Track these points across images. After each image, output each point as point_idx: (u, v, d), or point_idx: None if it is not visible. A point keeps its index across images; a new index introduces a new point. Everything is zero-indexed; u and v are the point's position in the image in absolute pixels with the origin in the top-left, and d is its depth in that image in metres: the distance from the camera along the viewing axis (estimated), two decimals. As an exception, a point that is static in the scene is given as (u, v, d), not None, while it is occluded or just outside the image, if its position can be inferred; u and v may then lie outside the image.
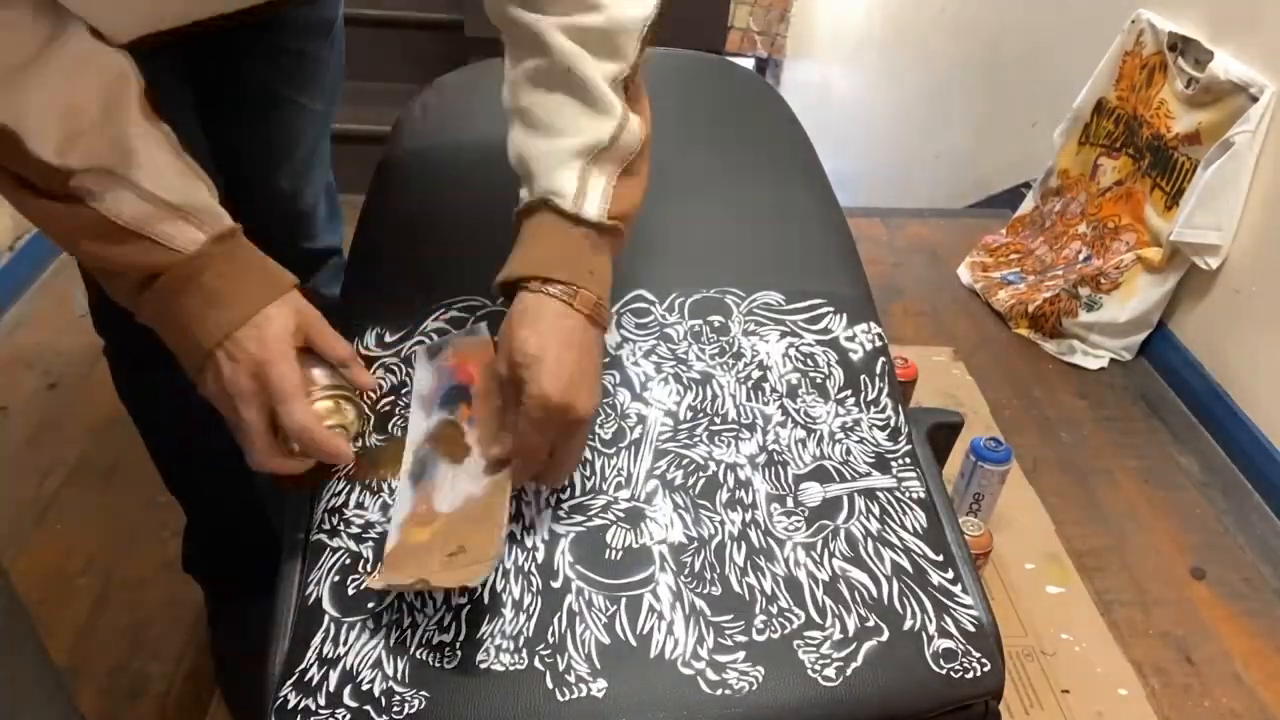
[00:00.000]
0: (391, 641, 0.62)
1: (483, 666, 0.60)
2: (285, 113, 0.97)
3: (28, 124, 0.55)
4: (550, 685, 0.60)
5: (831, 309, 0.83)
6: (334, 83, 1.01)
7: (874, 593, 0.66)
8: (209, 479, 1.08)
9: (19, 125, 0.55)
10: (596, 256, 0.67)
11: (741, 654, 0.62)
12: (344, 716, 0.58)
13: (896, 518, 0.70)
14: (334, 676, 0.60)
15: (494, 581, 0.64)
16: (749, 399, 0.76)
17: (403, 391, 0.75)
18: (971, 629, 0.65)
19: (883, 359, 0.81)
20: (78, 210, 0.59)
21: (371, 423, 0.74)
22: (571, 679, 0.60)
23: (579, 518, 0.68)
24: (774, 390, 0.77)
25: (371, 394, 0.74)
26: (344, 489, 0.70)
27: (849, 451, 0.74)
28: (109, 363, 1.02)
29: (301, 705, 0.59)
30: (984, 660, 0.63)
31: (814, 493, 0.71)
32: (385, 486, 0.70)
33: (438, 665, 0.60)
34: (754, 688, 0.60)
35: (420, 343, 0.78)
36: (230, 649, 1.21)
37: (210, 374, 0.63)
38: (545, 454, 0.65)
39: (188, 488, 1.13)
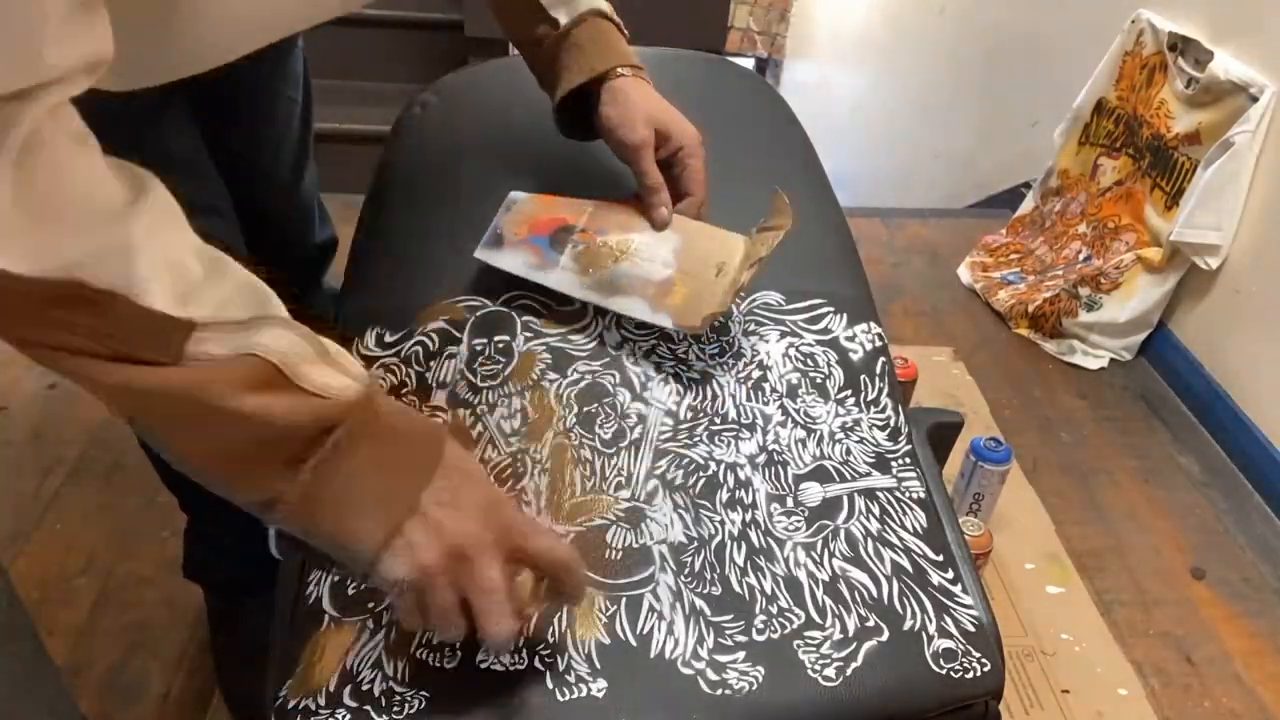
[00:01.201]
0: (391, 641, 0.62)
1: (483, 666, 0.60)
2: (276, 105, 0.98)
3: (138, 273, 0.45)
4: (550, 685, 0.60)
5: (831, 309, 0.83)
6: (306, 73, 1.02)
7: (874, 593, 0.66)
8: None
9: (126, 277, 0.45)
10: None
11: (741, 654, 0.62)
12: (344, 716, 0.58)
13: (896, 518, 0.70)
14: (334, 677, 0.60)
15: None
16: (749, 399, 0.76)
17: (403, 391, 0.75)
18: (971, 629, 0.65)
19: (883, 359, 0.81)
20: (236, 361, 0.48)
21: None
22: (571, 679, 0.60)
23: (579, 517, 0.68)
24: (774, 390, 0.77)
25: None
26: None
27: (849, 451, 0.74)
28: None
29: (301, 705, 0.59)
30: (984, 660, 0.63)
31: (814, 493, 0.71)
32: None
33: (438, 665, 0.60)
34: (754, 688, 0.60)
35: (421, 343, 0.78)
36: (230, 649, 1.21)
37: (422, 535, 0.51)
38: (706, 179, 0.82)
39: (190, 490, 1.13)
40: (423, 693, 0.59)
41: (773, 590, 0.65)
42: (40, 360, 0.48)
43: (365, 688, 0.59)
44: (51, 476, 1.55)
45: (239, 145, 0.94)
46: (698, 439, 0.73)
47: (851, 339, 0.81)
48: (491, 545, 0.53)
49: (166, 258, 0.47)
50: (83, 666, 1.26)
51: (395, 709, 0.58)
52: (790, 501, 0.70)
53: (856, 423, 0.76)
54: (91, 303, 0.45)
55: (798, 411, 0.76)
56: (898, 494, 0.72)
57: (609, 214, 0.83)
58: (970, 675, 0.63)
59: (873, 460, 0.74)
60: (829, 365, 0.79)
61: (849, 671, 0.61)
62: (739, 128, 1.04)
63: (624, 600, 0.64)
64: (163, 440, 0.50)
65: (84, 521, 1.47)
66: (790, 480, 0.72)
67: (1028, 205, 2.25)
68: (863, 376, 0.79)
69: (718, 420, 0.75)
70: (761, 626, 0.63)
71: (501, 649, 0.56)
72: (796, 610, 0.64)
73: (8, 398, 1.72)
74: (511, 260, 0.80)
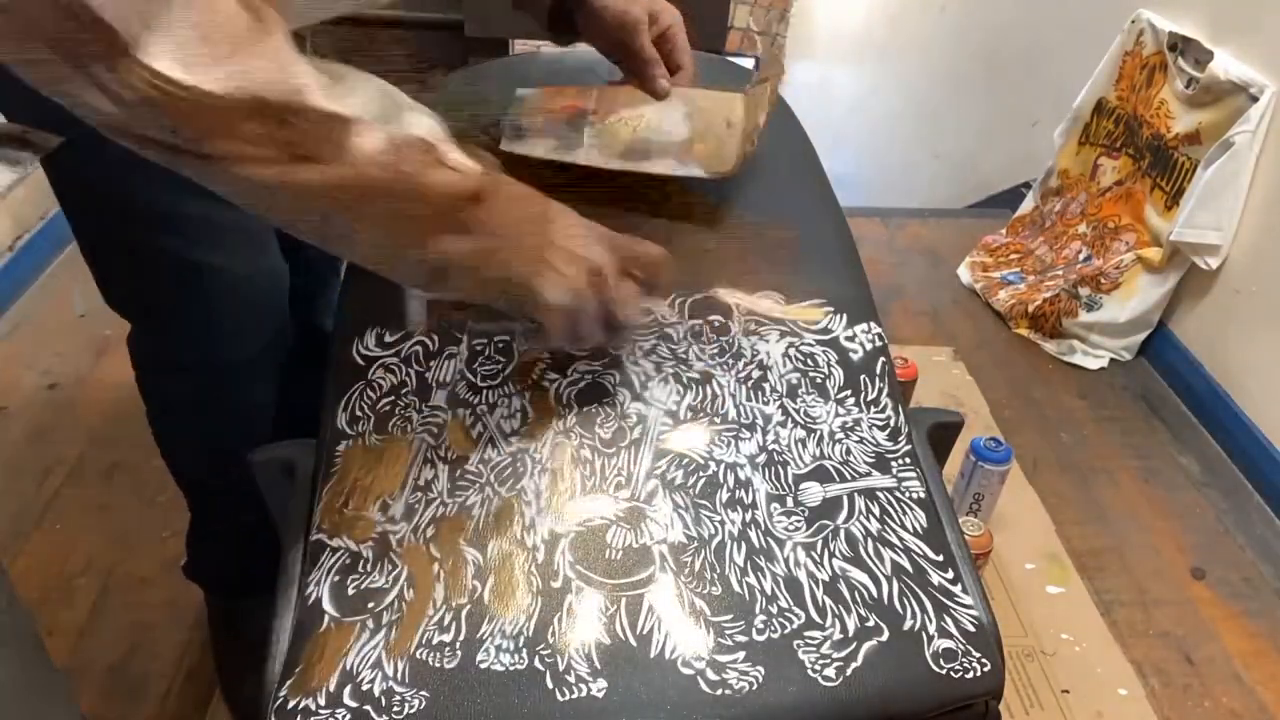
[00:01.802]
0: (391, 641, 0.62)
1: (483, 666, 0.60)
2: None
3: (300, 81, 0.52)
4: (550, 685, 0.60)
5: (831, 309, 0.83)
6: None
7: (874, 593, 0.66)
8: (222, 473, 1.07)
9: (293, 86, 0.51)
10: None
11: (741, 654, 0.62)
12: (344, 716, 0.58)
13: (896, 518, 0.70)
14: (334, 677, 0.60)
15: (495, 582, 0.64)
16: (749, 399, 0.76)
17: (403, 391, 0.75)
18: (972, 629, 0.65)
19: (883, 359, 0.81)
20: (397, 148, 0.55)
21: (372, 423, 0.74)
22: (571, 679, 0.60)
23: (579, 518, 0.68)
24: (774, 390, 0.77)
25: None
26: (344, 489, 0.70)
27: (849, 451, 0.74)
28: (131, 347, 1.01)
29: (301, 705, 0.59)
30: (984, 660, 0.63)
31: (814, 492, 0.71)
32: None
33: (438, 665, 0.60)
34: (754, 688, 0.60)
35: (421, 343, 0.78)
36: (231, 649, 1.21)
37: (565, 264, 0.63)
38: None
39: (198, 490, 1.13)
40: (422, 693, 0.59)
41: (773, 590, 0.65)
42: (240, 187, 0.54)
43: (365, 688, 0.59)
44: (51, 476, 1.55)
45: None
46: (698, 439, 0.73)
47: (851, 339, 0.81)
48: (616, 261, 0.66)
49: (309, 69, 0.53)
50: (83, 666, 1.26)
51: (395, 709, 0.58)
52: (790, 501, 0.70)
53: (856, 423, 0.76)
54: (273, 116, 0.51)
55: (798, 411, 0.76)
56: (898, 494, 0.72)
57: (613, 96, 0.89)
58: (970, 675, 0.63)
59: (873, 460, 0.74)
60: (829, 365, 0.79)
61: (849, 671, 0.61)
62: (739, 128, 1.04)
63: (624, 600, 0.64)
64: (344, 237, 0.58)
65: (84, 521, 1.47)
66: (790, 480, 0.72)
67: (1028, 205, 2.25)
68: (863, 376, 0.79)
69: (717, 420, 0.75)
70: (761, 626, 0.63)
71: (629, 338, 0.73)
72: (796, 610, 0.64)
73: (8, 398, 1.72)
74: (538, 147, 0.85)
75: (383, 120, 0.55)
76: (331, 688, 0.59)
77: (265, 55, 0.51)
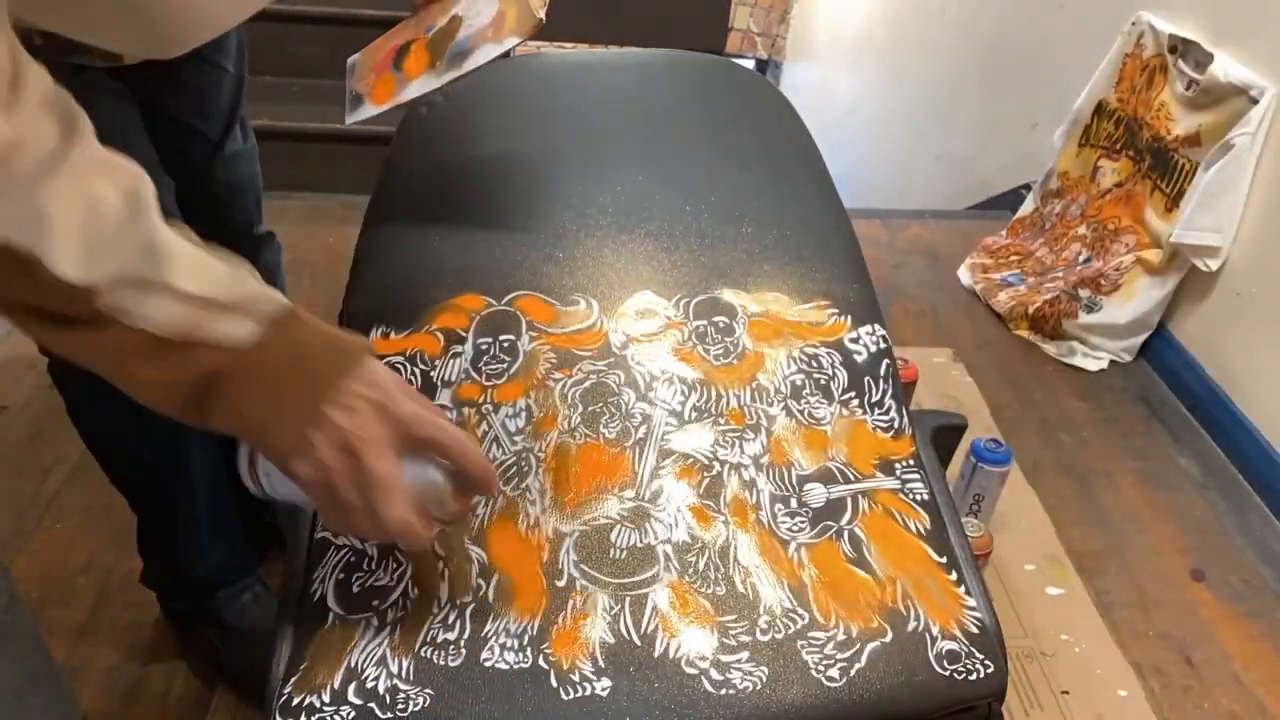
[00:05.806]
0: (396, 639, 0.62)
1: (487, 665, 0.60)
2: (211, 76, 0.99)
3: (47, 236, 0.47)
4: (554, 684, 0.60)
5: (836, 310, 0.83)
6: (242, 52, 1.02)
7: (877, 594, 0.66)
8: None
9: (37, 239, 0.47)
10: None
11: (745, 654, 0.62)
12: (348, 714, 0.58)
13: (900, 519, 0.71)
14: (338, 674, 0.60)
15: (499, 580, 0.64)
16: (753, 399, 0.76)
17: (406, 391, 0.75)
18: (975, 630, 0.65)
19: (886, 361, 0.81)
20: (118, 333, 0.51)
21: None
22: (575, 678, 0.60)
23: (584, 517, 0.68)
24: (778, 391, 0.77)
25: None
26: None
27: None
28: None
29: (306, 703, 0.59)
30: (987, 662, 0.63)
31: (818, 493, 0.71)
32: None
33: (442, 663, 0.60)
34: (758, 688, 0.60)
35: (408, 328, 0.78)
36: (228, 634, 1.20)
37: (322, 438, 0.53)
38: None
39: (139, 491, 1.11)
40: (427, 690, 0.59)
41: (776, 591, 0.65)
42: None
43: (370, 685, 0.59)
44: (51, 476, 1.55)
45: (178, 112, 0.96)
46: (702, 439, 0.73)
47: (856, 340, 0.81)
48: (382, 438, 0.53)
49: (83, 205, 0.49)
50: (83, 666, 1.26)
51: (399, 706, 0.58)
52: (794, 502, 0.70)
53: (860, 424, 0.76)
54: (20, 266, 0.47)
55: (802, 413, 0.76)
56: (901, 495, 0.72)
57: (427, 13, 0.88)
58: (974, 676, 0.63)
59: (876, 462, 0.74)
60: (833, 367, 0.79)
61: (852, 672, 0.61)
62: (743, 128, 1.05)
63: (628, 600, 0.64)
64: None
65: (84, 521, 1.47)
66: (794, 481, 0.72)
67: (1028, 207, 2.25)
68: (866, 378, 0.79)
69: (722, 420, 0.75)
70: (765, 627, 0.63)
71: (403, 541, 0.57)
72: (800, 611, 0.64)
73: (8, 398, 1.72)
74: (378, 106, 0.86)
75: (138, 285, 0.50)
76: (336, 685, 0.59)
77: (27, 199, 0.46)
